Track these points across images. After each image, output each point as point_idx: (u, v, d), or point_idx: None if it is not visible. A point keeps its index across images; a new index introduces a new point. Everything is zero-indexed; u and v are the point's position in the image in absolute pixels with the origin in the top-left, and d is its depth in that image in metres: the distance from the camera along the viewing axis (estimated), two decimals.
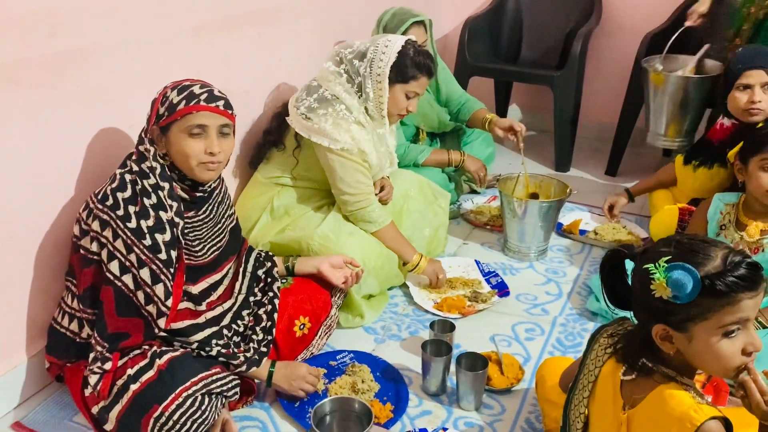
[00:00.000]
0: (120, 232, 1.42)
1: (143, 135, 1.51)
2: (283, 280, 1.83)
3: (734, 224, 1.85)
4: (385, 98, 1.94)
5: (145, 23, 1.80)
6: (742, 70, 2.03)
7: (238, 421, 1.57)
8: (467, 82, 3.20)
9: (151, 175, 1.48)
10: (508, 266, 2.33)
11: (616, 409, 1.13)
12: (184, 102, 1.46)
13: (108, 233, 1.43)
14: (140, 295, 1.43)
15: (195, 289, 1.57)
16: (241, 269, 1.76)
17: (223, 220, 1.69)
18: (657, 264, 1.03)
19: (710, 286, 1.01)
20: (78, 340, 1.52)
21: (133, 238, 1.42)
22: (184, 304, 1.55)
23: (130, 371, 1.42)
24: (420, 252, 2.10)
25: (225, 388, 1.50)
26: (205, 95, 1.47)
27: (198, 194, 1.55)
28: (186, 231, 1.54)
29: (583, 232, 2.54)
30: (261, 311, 1.73)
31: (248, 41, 2.22)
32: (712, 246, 1.05)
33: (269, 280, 1.79)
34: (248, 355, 1.59)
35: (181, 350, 1.50)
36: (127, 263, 1.42)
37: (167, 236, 1.45)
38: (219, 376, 1.49)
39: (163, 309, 1.45)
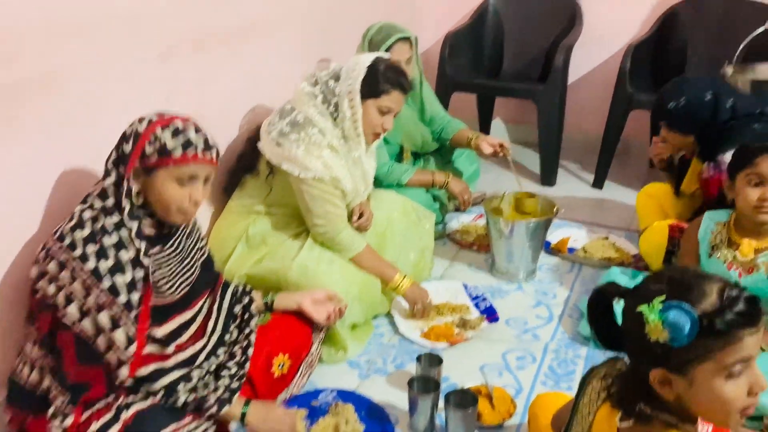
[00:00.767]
0: (78, 274, 1.33)
1: (111, 169, 1.42)
2: (261, 316, 1.74)
3: (726, 243, 1.79)
4: (358, 115, 1.88)
5: (112, 47, 1.71)
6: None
7: None
8: (449, 98, 3.15)
9: (116, 213, 1.39)
10: (497, 288, 2.26)
11: None
12: (180, 149, 1.37)
13: (65, 274, 1.34)
14: (100, 342, 1.34)
15: (162, 331, 1.48)
16: (215, 306, 1.67)
17: (192, 253, 1.59)
18: (650, 305, 0.96)
19: (709, 325, 0.94)
20: (38, 391, 1.42)
21: (91, 279, 1.33)
22: (150, 348, 1.45)
23: (94, 426, 1.32)
24: (405, 273, 2.02)
25: None
26: (202, 144, 1.40)
27: (164, 230, 1.47)
28: (152, 269, 1.45)
29: (571, 250, 2.47)
30: (236, 348, 1.64)
31: (222, 62, 2.14)
32: (706, 280, 0.98)
33: (246, 316, 1.70)
34: (219, 393, 1.50)
35: (150, 401, 1.40)
36: (85, 307, 1.33)
37: (128, 277, 1.36)
38: (190, 427, 1.39)
39: (123, 357, 1.35)
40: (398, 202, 2.25)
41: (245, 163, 2.04)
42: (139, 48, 1.80)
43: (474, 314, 2.08)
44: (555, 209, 2.26)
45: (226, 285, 1.74)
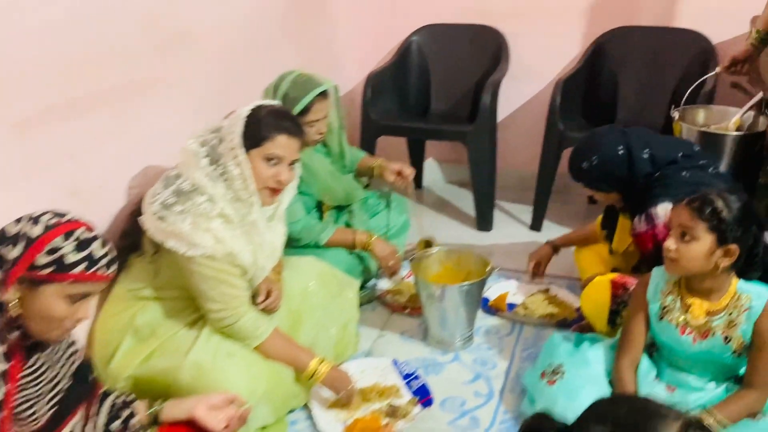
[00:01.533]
0: None
1: None
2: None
3: (678, 305, 1.60)
4: (247, 172, 1.64)
5: None
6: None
7: None
8: (374, 143, 2.94)
9: None
10: (431, 361, 2.02)
11: None
12: (83, 266, 1.16)
13: None
14: None
15: None
16: (90, 424, 1.37)
17: (61, 364, 1.30)
18: None
19: None
20: None
21: None
22: None
23: None
24: (322, 357, 1.76)
25: None
26: (107, 259, 1.20)
27: (28, 344, 1.21)
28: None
29: (511, 306, 2.26)
30: None
31: (101, 125, 1.85)
32: (659, 419, 0.76)
33: None
34: None
35: None
36: None
37: None
38: None
39: None
40: (315, 270, 2.00)
41: (129, 242, 1.76)
42: None
43: (405, 397, 1.83)
44: (488, 269, 2.05)
45: (106, 395, 1.44)
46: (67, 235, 1.16)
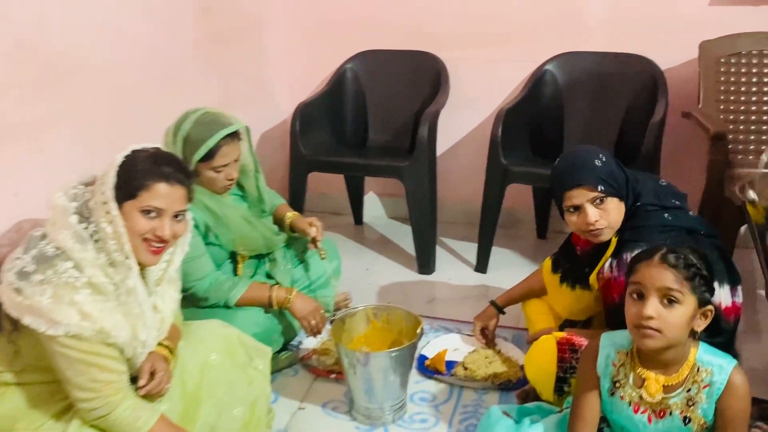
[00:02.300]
0: None
1: None
2: None
3: (630, 379, 1.37)
4: (121, 229, 1.37)
5: None
6: (563, 193, 1.59)
7: None
8: (305, 179, 2.69)
9: None
10: None
11: None
12: None
13: None
14: None
15: None
16: None
17: None
18: None
19: None
20: None
21: None
22: None
23: None
24: None
25: None
26: None
27: None
28: None
29: (450, 364, 2.02)
30: None
31: None
32: None
33: None
34: None
35: None
36: None
37: None
38: None
39: None
40: (219, 338, 1.70)
41: None
42: None
43: None
44: (419, 330, 1.80)
45: None
46: None
